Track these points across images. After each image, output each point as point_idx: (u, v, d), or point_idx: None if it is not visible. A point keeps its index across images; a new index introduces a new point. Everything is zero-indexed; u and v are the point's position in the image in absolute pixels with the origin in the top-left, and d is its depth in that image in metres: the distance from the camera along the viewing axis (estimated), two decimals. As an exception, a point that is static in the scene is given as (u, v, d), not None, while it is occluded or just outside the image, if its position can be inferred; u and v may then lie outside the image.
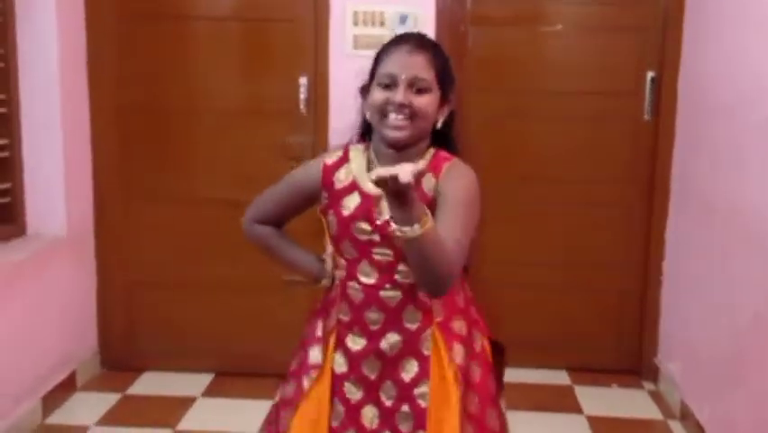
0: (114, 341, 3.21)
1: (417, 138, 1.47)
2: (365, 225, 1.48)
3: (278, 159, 2.85)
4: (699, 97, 2.86)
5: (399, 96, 1.43)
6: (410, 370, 1.50)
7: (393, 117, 1.44)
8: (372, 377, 1.51)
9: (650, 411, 2.97)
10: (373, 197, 1.46)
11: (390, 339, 1.50)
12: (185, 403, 2.93)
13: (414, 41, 1.49)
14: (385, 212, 1.26)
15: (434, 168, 1.46)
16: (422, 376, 1.49)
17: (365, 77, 1.54)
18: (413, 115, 1.44)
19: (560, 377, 3.23)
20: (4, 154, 2.76)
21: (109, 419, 2.80)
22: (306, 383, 1.55)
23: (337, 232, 1.52)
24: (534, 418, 2.85)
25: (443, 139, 1.54)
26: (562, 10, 3.11)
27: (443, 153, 1.51)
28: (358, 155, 1.53)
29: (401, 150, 1.46)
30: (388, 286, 1.49)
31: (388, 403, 1.50)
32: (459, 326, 1.54)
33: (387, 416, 1.50)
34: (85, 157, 3.07)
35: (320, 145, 2.98)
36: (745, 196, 2.42)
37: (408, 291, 1.48)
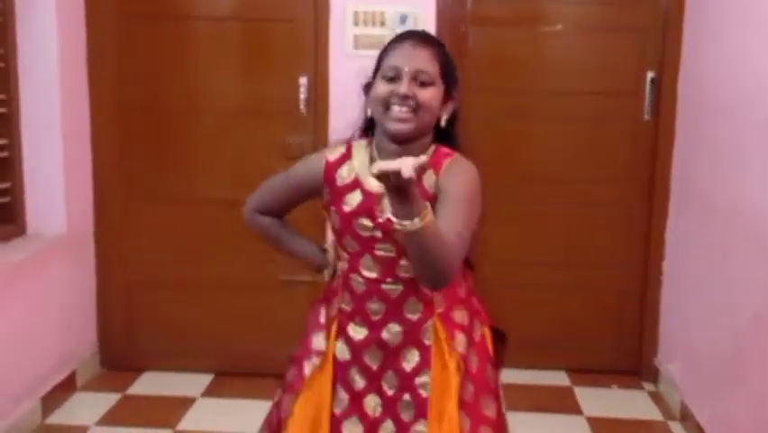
0: (114, 341, 3.21)
1: (420, 133, 1.47)
2: (367, 222, 1.49)
3: (278, 159, 2.85)
4: (699, 97, 2.86)
5: (403, 87, 1.44)
6: (411, 360, 1.51)
7: (397, 109, 1.44)
8: (374, 367, 1.53)
9: (650, 412, 2.96)
10: (375, 195, 1.47)
11: (392, 329, 1.52)
12: (185, 403, 2.93)
13: (418, 36, 1.52)
14: (387, 209, 1.26)
15: (434, 164, 1.46)
16: (423, 366, 1.51)
17: (366, 76, 1.55)
18: (417, 107, 1.44)
19: (559, 378, 3.22)
20: (4, 154, 2.75)
21: (109, 419, 2.80)
22: (307, 369, 1.57)
23: (339, 227, 1.53)
24: (534, 418, 2.85)
25: (446, 137, 1.54)
26: (563, 10, 3.11)
27: (444, 149, 1.50)
28: (360, 152, 1.54)
29: (403, 144, 1.47)
30: (389, 280, 1.50)
31: (390, 392, 1.52)
32: (460, 315, 1.55)
33: (389, 405, 1.52)
34: (85, 157, 3.07)
35: (320, 145, 2.98)
36: (745, 196, 2.42)
37: (410, 284, 1.49)
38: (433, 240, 1.26)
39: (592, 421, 2.87)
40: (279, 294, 3.07)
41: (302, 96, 3.01)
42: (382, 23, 2.95)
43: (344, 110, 3.02)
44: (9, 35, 2.74)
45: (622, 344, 3.26)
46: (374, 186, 1.46)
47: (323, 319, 1.60)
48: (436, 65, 1.47)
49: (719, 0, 2.72)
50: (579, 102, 3.12)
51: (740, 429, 2.38)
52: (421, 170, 1.19)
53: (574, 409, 2.97)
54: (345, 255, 1.54)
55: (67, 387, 2.95)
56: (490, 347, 1.62)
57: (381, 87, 1.46)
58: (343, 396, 1.54)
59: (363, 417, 1.53)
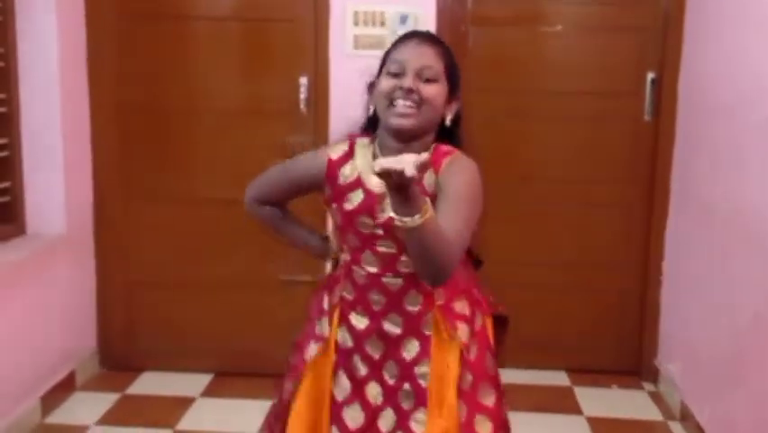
0: (113, 340, 3.21)
1: (422, 130, 1.48)
2: (368, 220, 1.50)
3: (278, 159, 2.80)
4: (700, 98, 2.86)
5: (408, 81, 1.45)
6: (411, 350, 1.53)
7: (401, 103, 1.44)
8: (376, 356, 1.54)
9: (650, 412, 2.96)
10: (377, 195, 1.47)
11: (392, 320, 1.53)
12: (184, 403, 2.93)
13: (424, 35, 1.54)
14: (388, 209, 1.27)
15: (433, 163, 1.46)
16: (423, 356, 1.52)
17: (368, 76, 1.56)
18: (420, 102, 1.45)
19: (559, 378, 3.22)
20: (4, 154, 2.75)
21: (108, 418, 2.80)
22: (309, 353, 1.59)
23: (341, 224, 1.55)
24: (534, 419, 2.84)
25: (450, 137, 1.54)
26: (563, 10, 3.11)
27: (444, 148, 1.50)
28: (363, 150, 1.54)
29: (406, 142, 1.47)
30: (389, 274, 1.52)
31: (391, 382, 1.54)
32: (461, 306, 1.56)
33: (390, 394, 1.53)
34: (85, 157, 3.07)
35: (320, 145, 2.98)
36: (745, 196, 2.42)
37: (410, 278, 1.51)
38: (433, 237, 1.27)
39: (592, 421, 2.86)
40: (279, 294, 3.07)
41: (302, 96, 3.01)
42: (382, 23, 2.95)
43: (344, 110, 3.02)
44: (9, 35, 2.74)
45: (622, 344, 3.26)
46: (376, 186, 1.47)
47: (326, 306, 1.61)
48: (441, 63, 1.49)
49: (720, 0, 2.72)
50: (579, 102, 3.12)
51: (740, 429, 2.38)
52: (423, 168, 1.19)
53: (574, 409, 2.97)
54: (347, 249, 1.56)
55: (66, 386, 2.95)
56: (491, 337, 1.63)
57: (386, 82, 1.47)
58: (345, 383, 1.56)
59: (365, 404, 1.54)
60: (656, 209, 3.13)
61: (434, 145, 1.52)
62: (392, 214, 1.24)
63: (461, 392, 1.51)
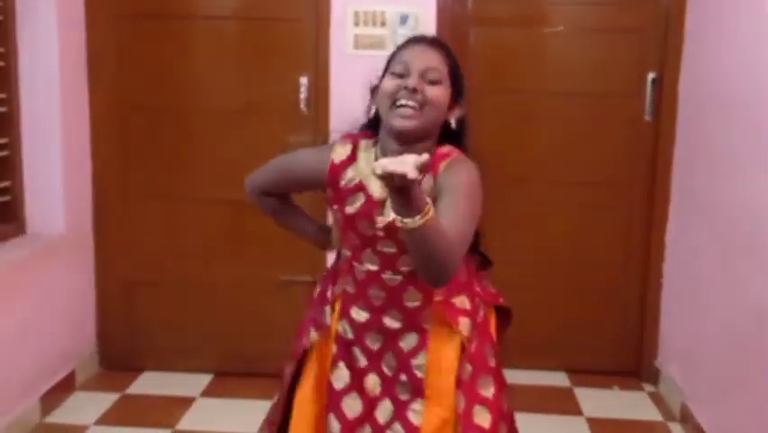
0: (113, 340, 3.21)
1: (424, 132, 1.48)
2: (368, 224, 1.50)
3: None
4: (700, 99, 2.85)
5: (412, 81, 1.45)
6: (409, 342, 1.54)
7: (404, 102, 1.44)
8: (375, 348, 1.56)
9: (650, 413, 2.96)
10: (377, 201, 1.48)
11: (392, 315, 1.54)
12: (184, 403, 2.93)
13: (429, 39, 1.55)
14: (387, 213, 1.27)
15: (430, 166, 1.45)
16: (420, 348, 1.53)
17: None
18: (423, 103, 1.45)
19: (559, 379, 3.22)
20: (4, 153, 2.75)
21: (108, 418, 2.80)
22: (309, 338, 1.62)
23: (342, 225, 1.56)
24: (534, 419, 2.84)
25: (454, 143, 1.54)
26: (563, 10, 3.11)
27: (442, 150, 1.50)
28: (365, 154, 1.54)
29: (408, 144, 1.46)
30: (389, 272, 1.52)
31: (389, 373, 1.55)
32: (460, 301, 1.56)
33: (388, 385, 1.55)
34: (84, 156, 3.07)
35: (320, 143, 2.98)
36: (745, 197, 2.42)
37: (409, 276, 1.52)
38: (434, 237, 1.27)
39: (592, 422, 2.86)
40: (279, 294, 3.07)
41: (302, 95, 3.01)
42: (383, 23, 2.95)
43: (345, 110, 3.02)
44: (9, 35, 2.74)
45: (622, 344, 3.25)
46: (377, 191, 1.48)
47: (329, 295, 1.63)
48: (445, 66, 1.50)
49: (720, 1, 2.72)
50: (579, 102, 3.12)
51: (740, 431, 2.38)
52: (424, 169, 1.19)
53: (574, 409, 2.97)
54: (348, 246, 1.57)
55: (66, 386, 2.95)
56: (493, 329, 1.64)
57: (390, 83, 1.48)
58: (345, 372, 1.58)
59: (363, 394, 1.56)
60: (656, 210, 3.13)
61: (434, 148, 1.51)
62: (392, 217, 1.24)
63: (460, 383, 1.52)
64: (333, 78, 2.98)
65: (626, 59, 3.09)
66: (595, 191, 3.17)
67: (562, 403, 3.01)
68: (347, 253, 1.58)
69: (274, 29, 3.04)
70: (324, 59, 2.98)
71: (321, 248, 1.78)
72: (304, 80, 3.00)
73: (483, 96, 3.02)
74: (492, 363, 1.58)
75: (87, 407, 2.87)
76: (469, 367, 1.54)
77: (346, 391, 1.57)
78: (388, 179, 1.17)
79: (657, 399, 3.07)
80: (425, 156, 1.19)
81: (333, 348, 1.60)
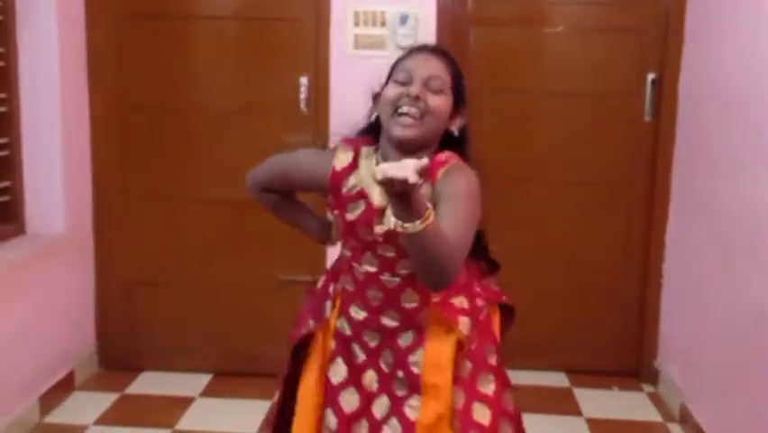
0: (112, 340, 3.21)
1: (425, 141, 1.48)
2: (368, 231, 1.52)
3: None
4: (700, 99, 2.85)
5: (415, 88, 1.46)
6: (407, 339, 1.55)
7: (406, 109, 1.44)
8: (373, 345, 1.57)
9: (649, 414, 2.96)
10: (376, 209, 1.49)
11: (390, 315, 1.55)
12: (183, 403, 2.93)
13: (433, 48, 1.56)
14: (387, 221, 1.28)
15: (428, 174, 1.45)
16: (417, 345, 1.54)
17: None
18: (425, 112, 1.46)
19: (559, 379, 3.22)
20: (4, 153, 2.75)
21: (107, 418, 2.80)
22: (306, 327, 1.64)
23: (342, 230, 1.57)
24: (533, 420, 2.81)
25: (456, 152, 1.54)
26: (563, 11, 3.11)
27: (440, 157, 1.50)
28: (366, 161, 1.55)
29: (408, 153, 1.46)
30: (387, 274, 1.54)
31: (387, 370, 1.56)
32: (459, 301, 1.57)
33: (385, 381, 1.56)
34: (84, 156, 3.07)
35: (321, 145, 2.98)
36: (745, 197, 2.42)
37: (407, 278, 1.53)
38: (435, 241, 1.27)
39: (592, 423, 2.86)
40: (279, 294, 3.07)
41: (302, 95, 3.01)
42: (383, 24, 2.95)
43: (345, 110, 3.02)
44: (9, 35, 2.74)
45: (622, 345, 3.25)
46: (377, 199, 1.49)
47: (331, 290, 1.64)
48: (448, 75, 1.50)
49: (720, 1, 2.72)
50: (579, 103, 3.12)
51: (740, 432, 2.38)
52: (424, 173, 1.18)
53: (574, 410, 2.96)
54: (348, 247, 1.59)
55: (65, 386, 2.94)
56: (497, 328, 1.64)
57: (392, 90, 1.48)
58: (342, 368, 1.59)
59: (360, 389, 1.57)
60: (656, 210, 3.13)
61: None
62: (392, 224, 1.25)
63: (459, 380, 1.53)
64: (332, 79, 2.98)
65: (625, 60, 3.09)
66: (595, 191, 3.17)
67: (561, 404, 3.01)
68: (347, 253, 1.59)
69: (274, 29, 3.04)
70: (324, 60, 2.98)
71: (322, 243, 1.79)
72: (304, 80, 3.00)
73: (483, 97, 3.01)
74: (493, 361, 1.59)
75: (87, 407, 2.87)
76: (469, 365, 1.54)
77: (344, 385, 1.58)
78: (389, 184, 1.17)
79: (656, 399, 3.07)
80: (425, 160, 1.19)
81: (332, 344, 1.61)
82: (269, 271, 3.13)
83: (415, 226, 1.23)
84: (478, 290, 1.62)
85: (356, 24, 2.95)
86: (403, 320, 1.55)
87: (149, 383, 3.10)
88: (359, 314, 1.57)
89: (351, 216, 1.53)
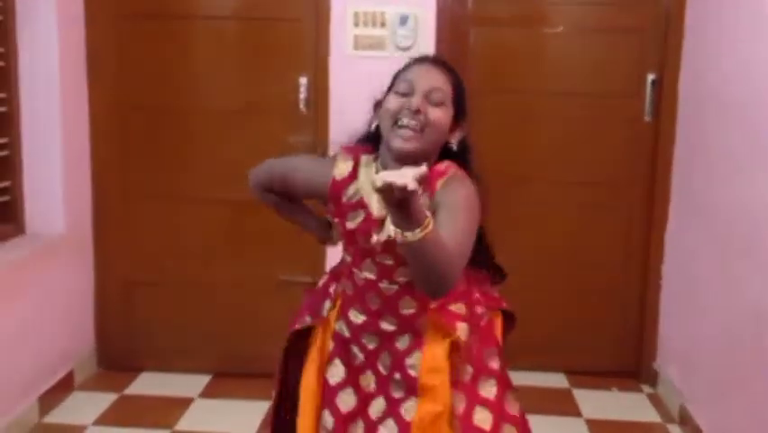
0: (112, 340, 3.21)
1: (424, 154, 1.48)
2: (368, 239, 1.53)
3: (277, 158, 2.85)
4: (700, 99, 2.85)
5: (416, 101, 1.46)
6: (405, 342, 1.56)
7: (406, 122, 1.45)
8: (371, 347, 1.58)
9: (649, 415, 2.96)
10: (375, 219, 1.49)
11: (388, 320, 1.56)
12: (183, 403, 2.93)
13: (435, 59, 1.56)
14: (386, 230, 1.29)
15: (427, 184, 1.46)
16: (414, 347, 1.55)
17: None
18: (425, 125, 1.46)
19: (558, 380, 3.22)
20: (4, 153, 2.75)
21: (106, 418, 2.80)
22: (301, 322, 1.66)
23: (342, 237, 1.59)
24: (533, 421, 2.80)
25: (458, 163, 1.54)
26: (563, 11, 3.11)
27: (438, 168, 1.50)
28: (366, 170, 1.55)
29: (407, 165, 1.46)
30: (386, 281, 1.54)
31: (384, 372, 1.57)
32: (456, 308, 1.57)
33: (382, 383, 1.57)
34: (84, 156, 3.07)
35: (320, 145, 2.98)
36: (743, 198, 2.42)
37: (405, 285, 1.53)
38: (434, 249, 1.27)
39: (591, 424, 2.86)
40: (278, 294, 3.07)
41: (302, 96, 3.01)
42: (382, 24, 2.94)
43: (344, 110, 3.02)
44: (9, 34, 2.74)
45: (621, 346, 3.25)
46: (376, 209, 1.49)
47: (332, 291, 1.66)
48: (450, 88, 1.50)
49: (720, 1, 2.72)
50: (579, 103, 3.12)
51: (739, 432, 2.38)
52: (423, 180, 1.18)
53: (573, 411, 2.96)
54: (349, 252, 1.60)
55: (64, 386, 2.94)
56: (499, 333, 1.64)
57: (393, 101, 1.48)
58: (340, 369, 1.60)
59: (358, 390, 1.58)
60: (656, 211, 3.13)
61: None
62: (391, 233, 1.25)
63: (460, 384, 1.53)
64: (332, 79, 2.98)
65: (625, 60, 3.09)
66: (595, 191, 3.17)
67: (560, 404, 3.01)
68: (348, 258, 1.60)
69: (274, 29, 3.04)
70: (324, 60, 2.98)
71: (322, 243, 1.80)
72: (303, 80, 3.00)
73: (483, 97, 3.01)
74: (495, 365, 1.59)
75: (86, 407, 2.87)
76: (470, 369, 1.55)
77: (341, 386, 1.59)
78: (387, 192, 1.17)
79: (656, 400, 3.07)
80: (424, 168, 1.19)
81: (331, 345, 1.62)
82: (269, 271, 3.13)
83: (414, 235, 1.23)
84: (477, 296, 1.62)
85: (356, 25, 2.95)
86: (401, 325, 1.55)
87: (148, 384, 3.10)
88: (358, 318, 1.58)
89: (351, 225, 1.54)
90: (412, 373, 1.54)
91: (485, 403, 1.54)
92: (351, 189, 1.54)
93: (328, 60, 2.98)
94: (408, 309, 1.54)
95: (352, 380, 1.59)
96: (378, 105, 1.55)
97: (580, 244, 3.20)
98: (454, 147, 1.52)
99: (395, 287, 1.53)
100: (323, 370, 1.62)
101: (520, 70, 3.14)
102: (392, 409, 1.54)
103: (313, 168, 1.63)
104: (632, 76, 3.09)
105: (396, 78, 1.54)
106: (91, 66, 3.03)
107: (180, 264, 3.16)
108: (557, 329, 3.24)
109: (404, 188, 1.14)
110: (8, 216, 2.80)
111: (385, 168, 1.51)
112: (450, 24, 3.01)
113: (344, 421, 1.57)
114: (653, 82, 3.07)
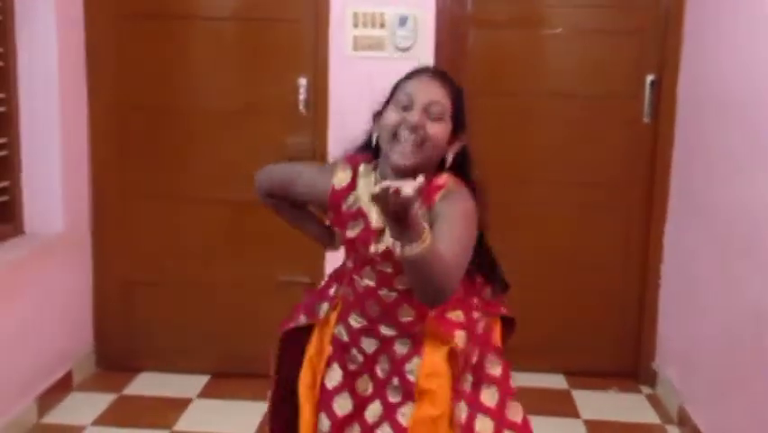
0: (110, 340, 3.20)
1: (423, 167, 1.48)
2: (367, 248, 1.53)
3: (278, 159, 2.84)
4: (699, 100, 2.86)
5: (415, 116, 1.46)
6: (404, 347, 1.56)
7: (405, 136, 1.45)
8: (370, 351, 1.58)
9: (648, 416, 2.96)
10: (374, 230, 1.50)
11: (387, 326, 1.56)
12: (181, 404, 2.92)
13: (435, 71, 1.56)
14: (385, 240, 1.30)
15: (425, 197, 1.47)
16: (413, 353, 1.55)
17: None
18: (424, 139, 1.46)
19: (557, 381, 3.22)
20: (3, 153, 2.75)
21: (105, 419, 2.80)
22: (296, 321, 1.68)
23: (343, 244, 1.61)
24: (532, 421, 2.83)
25: (457, 175, 1.54)
26: (562, 12, 3.11)
27: (436, 182, 1.50)
28: (365, 180, 1.56)
29: (406, 177, 1.46)
30: (385, 289, 1.55)
31: (382, 376, 1.57)
32: (456, 315, 1.57)
33: (379, 387, 1.57)
34: (83, 156, 3.07)
35: (319, 146, 2.99)
36: (743, 199, 2.42)
37: (404, 293, 1.54)
38: (432, 261, 1.27)
39: (590, 424, 2.86)
40: (278, 295, 3.06)
41: (301, 96, 3.01)
42: (382, 25, 2.95)
43: (344, 111, 3.02)
44: (8, 35, 2.74)
45: (620, 346, 3.25)
46: (375, 220, 1.50)
47: (332, 293, 1.66)
48: (449, 101, 1.50)
49: (719, 2, 2.72)
50: (578, 104, 3.12)
51: (738, 433, 2.38)
52: (420, 190, 1.19)
53: (572, 412, 2.96)
54: (350, 259, 1.60)
55: (63, 387, 2.94)
56: (498, 339, 1.64)
57: (392, 115, 1.48)
58: (338, 373, 1.61)
59: (354, 394, 1.58)
60: (655, 212, 3.13)
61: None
62: (390, 244, 1.27)
63: (461, 393, 1.53)
64: (332, 80, 2.98)
65: (624, 61, 3.09)
66: (594, 192, 3.17)
67: (559, 405, 3.01)
68: (349, 264, 1.61)
69: (273, 30, 3.04)
70: (323, 61, 2.98)
71: (324, 248, 1.80)
72: (303, 81, 3.00)
73: (483, 98, 3.01)
74: (496, 372, 1.59)
75: (84, 407, 2.86)
76: (470, 378, 1.55)
77: (338, 390, 1.60)
78: (383, 201, 1.17)
79: (655, 401, 3.07)
80: (420, 179, 1.19)
81: (329, 349, 1.63)
82: (269, 271, 3.12)
83: (412, 249, 1.24)
84: (475, 301, 1.62)
85: (355, 26, 2.95)
86: (400, 331, 1.56)
87: (147, 384, 3.10)
88: (357, 322, 1.59)
89: (350, 234, 1.55)
90: (410, 378, 1.54)
91: (486, 411, 1.55)
92: (350, 198, 1.55)
93: (327, 61, 2.98)
94: (407, 317, 1.55)
95: (348, 384, 1.59)
96: (377, 115, 1.55)
97: (579, 245, 3.20)
98: (449, 161, 1.52)
99: (394, 294, 1.54)
100: (321, 372, 1.62)
101: (519, 71, 3.14)
102: (388, 415, 1.54)
103: (312, 176, 1.63)
104: (631, 77, 3.09)
105: (395, 88, 1.53)
106: (90, 66, 3.03)
107: (179, 264, 3.16)
108: (556, 330, 3.24)
109: (401, 195, 1.15)
110: (7, 215, 2.79)
111: (384, 178, 1.51)
112: (449, 25, 3.01)
113: (340, 425, 1.57)
114: (653, 83, 3.07)
